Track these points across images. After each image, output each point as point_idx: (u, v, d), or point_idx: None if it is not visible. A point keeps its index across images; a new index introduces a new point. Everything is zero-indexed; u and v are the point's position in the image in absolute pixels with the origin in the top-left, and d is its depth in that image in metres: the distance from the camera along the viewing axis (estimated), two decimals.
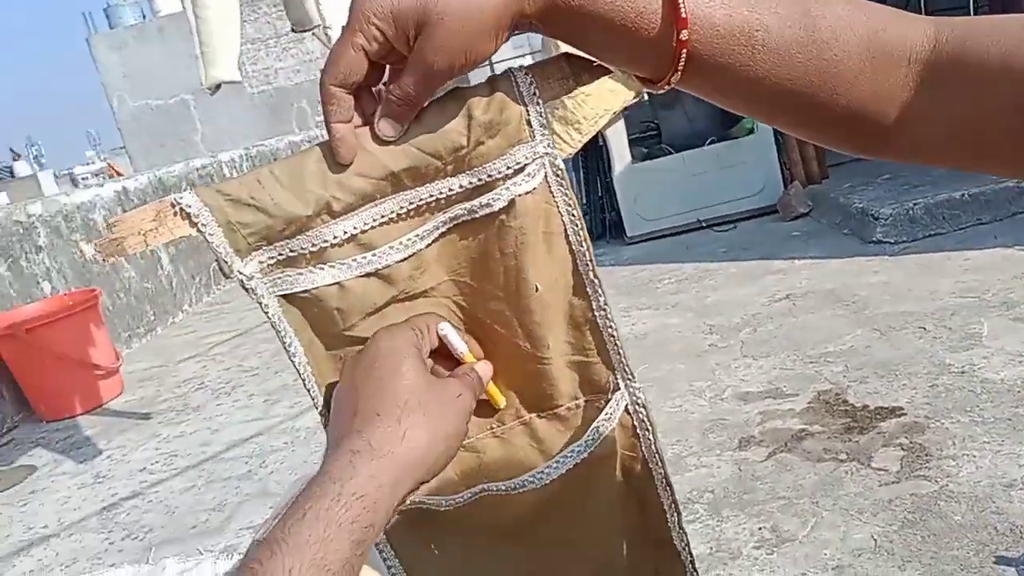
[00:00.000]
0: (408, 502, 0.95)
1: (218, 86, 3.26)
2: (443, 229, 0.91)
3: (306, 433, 3.76)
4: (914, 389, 2.88)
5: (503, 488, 0.89)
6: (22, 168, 19.85)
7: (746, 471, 2.62)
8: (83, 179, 18.58)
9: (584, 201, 6.39)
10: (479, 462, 0.93)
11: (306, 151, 0.74)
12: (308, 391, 0.90)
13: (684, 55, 0.54)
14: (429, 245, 0.89)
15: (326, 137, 0.74)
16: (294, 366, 0.88)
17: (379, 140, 0.71)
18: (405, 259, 0.84)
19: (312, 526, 0.52)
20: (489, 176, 0.91)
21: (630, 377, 0.96)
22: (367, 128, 0.69)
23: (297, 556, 0.51)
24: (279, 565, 0.51)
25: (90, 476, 3.95)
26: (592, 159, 6.26)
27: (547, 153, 0.94)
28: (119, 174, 16.41)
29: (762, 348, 3.58)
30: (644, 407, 0.96)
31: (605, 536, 0.96)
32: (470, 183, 0.91)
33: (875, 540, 2.13)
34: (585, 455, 0.93)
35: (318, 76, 0.69)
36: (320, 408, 0.90)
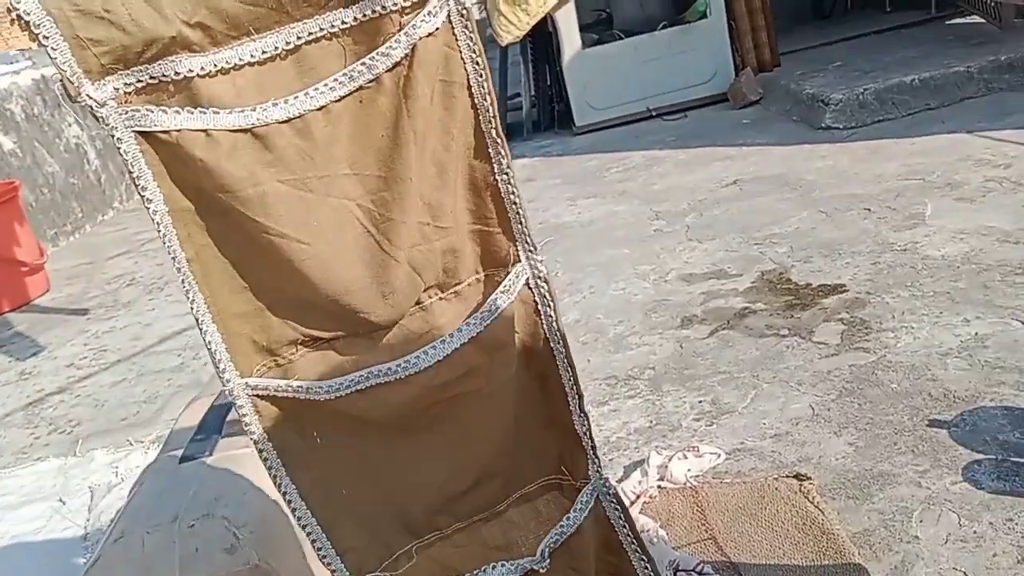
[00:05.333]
0: (285, 391, 0.85)
1: None
2: (339, 92, 0.76)
3: None
4: (857, 267, 2.85)
5: (392, 370, 0.84)
6: None
7: (688, 348, 2.59)
8: None
9: (532, 91, 6.18)
10: (372, 345, 0.84)
11: None
12: (167, 248, 0.78)
13: None
14: (321, 108, 0.76)
15: None
16: (149, 215, 0.77)
17: None
18: (287, 120, 0.74)
19: None
20: (383, 7, 0.77)
21: (531, 249, 0.87)
22: None
23: None
24: None
25: (15, 374, 3.79)
26: (540, 46, 6.02)
27: None
28: None
29: (707, 232, 3.52)
30: (546, 281, 0.88)
31: (507, 420, 0.91)
32: (363, 15, 0.77)
33: (813, 409, 2.12)
34: (480, 329, 0.85)
35: None
36: (182, 268, 0.79)
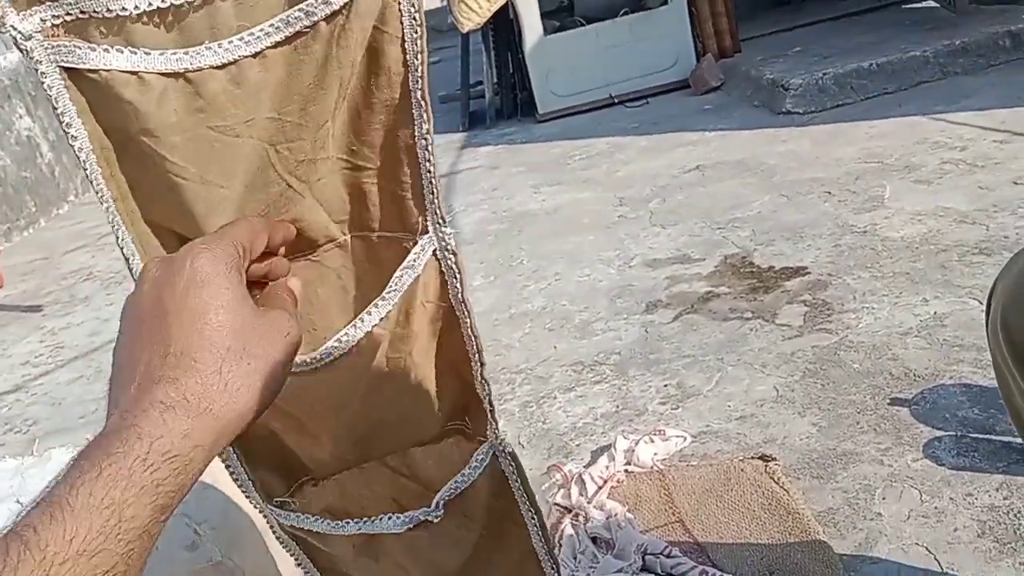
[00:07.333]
0: None
1: None
2: (275, 38, 0.75)
3: None
4: (818, 250, 2.88)
5: (307, 363, 0.81)
6: None
7: (652, 333, 2.60)
8: None
9: (495, 79, 6.15)
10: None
11: None
12: (93, 185, 0.75)
13: None
14: (256, 55, 0.74)
15: None
16: (74, 152, 0.73)
17: None
18: (222, 66, 0.70)
19: (108, 488, 0.43)
20: None
21: (440, 221, 0.86)
22: None
23: (84, 521, 0.41)
24: (59, 531, 0.40)
25: None
26: (502, 33, 5.99)
27: None
28: None
29: (670, 217, 3.53)
30: (454, 253, 0.86)
31: (416, 381, 0.91)
32: None
33: (777, 390, 2.14)
34: (389, 308, 0.84)
35: None
36: (109, 207, 0.76)
